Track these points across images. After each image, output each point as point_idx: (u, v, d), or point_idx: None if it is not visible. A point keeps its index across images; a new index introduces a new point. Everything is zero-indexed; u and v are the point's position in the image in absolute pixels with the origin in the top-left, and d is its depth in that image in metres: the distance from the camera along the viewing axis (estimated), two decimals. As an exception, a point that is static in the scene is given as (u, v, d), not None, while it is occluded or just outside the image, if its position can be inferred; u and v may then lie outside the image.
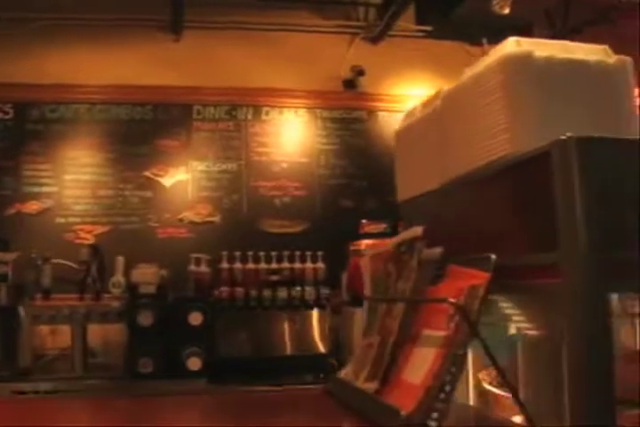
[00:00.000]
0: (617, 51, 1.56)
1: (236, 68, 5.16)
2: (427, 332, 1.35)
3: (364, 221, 4.50)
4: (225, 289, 4.51)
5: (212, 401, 1.77)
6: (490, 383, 1.62)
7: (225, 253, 4.64)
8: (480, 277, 1.27)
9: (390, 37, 5.41)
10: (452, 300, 1.24)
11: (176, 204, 5.02)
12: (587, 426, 1.11)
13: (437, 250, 1.49)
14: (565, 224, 1.16)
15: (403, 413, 1.20)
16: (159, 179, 5.02)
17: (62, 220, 4.90)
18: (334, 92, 5.31)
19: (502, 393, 1.56)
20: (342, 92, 5.32)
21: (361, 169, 5.18)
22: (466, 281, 1.31)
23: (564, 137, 1.18)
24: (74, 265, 4.42)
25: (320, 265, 4.62)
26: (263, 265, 4.62)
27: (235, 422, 1.45)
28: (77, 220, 4.91)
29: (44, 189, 4.92)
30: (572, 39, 1.60)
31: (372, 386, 1.42)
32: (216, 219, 5.04)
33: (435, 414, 1.20)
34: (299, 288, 4.55)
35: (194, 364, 3.96)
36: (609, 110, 1.47)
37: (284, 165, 5.19)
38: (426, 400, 1.21)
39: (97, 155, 4.99)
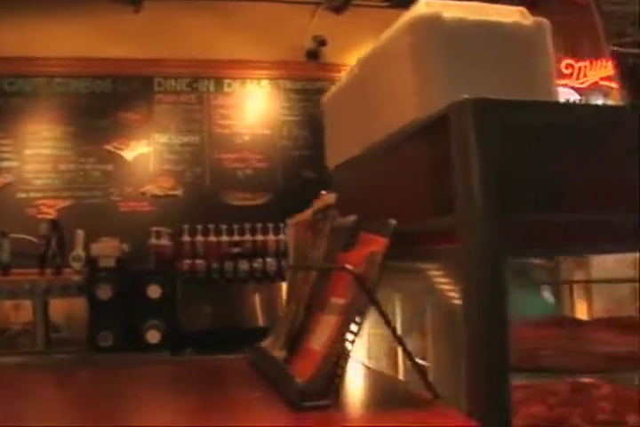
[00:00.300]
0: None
1: (197, 40, 5.08)
2: (334, 299, 1.34)
3: (323, 191, 4.49)
4: (187, 262, 4.50)
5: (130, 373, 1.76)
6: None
7: (186, 226, 4.63)
8: (380, 244, 1.25)
9: (354, 7, 5.34)
10: (348, 267, 1.22)
11: (138, 177, 4.97)
12: (479, 393, 1.11)
13: (351, 217, 1.47)
14: (461, 188, 1.15)
15: (299, 380, 1.19)
16: (120, 152, 4.96)
17: (24, 195, 4.84)
18: (297, 62, 5.25)
19: (423, 363, 1.56)
20: (305, 62, 5.26)
21: (323, 140, 5.12)
22: (370, 248, 1.29)
23: (460, 99, 1.16)
24: (33, 239, 4.38)
25: (282, 237, 4.60)
26: (225, 238, 4.61)
27: (138, 388, 1.45)
28: (39, 195, 4.85)
29: (5, 163, 4.86)
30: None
31: (282, 354, 1.41)
32: (178, 192, 4.99)
33: (332, 381, 1.19)
34: (260, 260, 4.54)
35: (153, 337, 3.95)
36: (525, 73, 1.45)
37: (247, 138, 5.14)
38: (323, 368, 1.19)
39: (57, 129, 4.93)
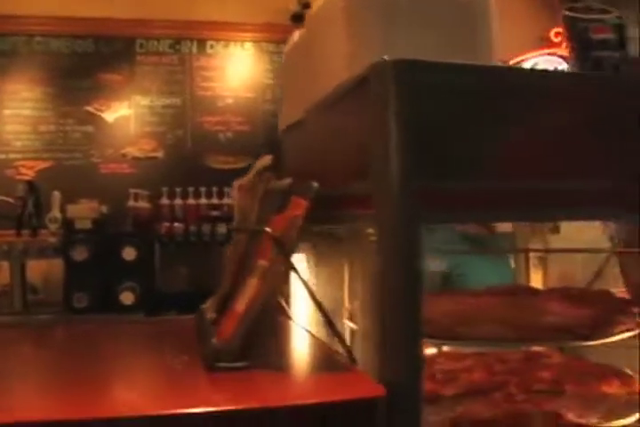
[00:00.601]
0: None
1: (180, 0, 5.01)
2: (260, 262, 1.33)
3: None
4: (165, 225, 4.50)
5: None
6: (348, 318, 1.61)
7: (165, 188, 4.62)
8: (301, 206, 1.25)
9: (340, -31, 5.25)
10: (267, 230, 1.22)
11: (119, 139, 4.95)
12: (389, 360, 1.10)
13: (287, 180, 1.47)
14: (377, 152, 1.13)
15: (214, 342, 1.20)
16: (101, 114, 4.93)
17: (3, 156, 4.83)
18: (282, 25, 5.16)
19: (355, 327, 1.56)
20: (290, 26, 5.18)
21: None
22: (295, 211, 1.29)
23: (380, 60, 1.14)
24: (10, 200, 4.37)
25: (261, 201, 4.59)
26: (204, 201, 4.60)
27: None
28: (18, 156, 4.84)
29: (-16, 124, 4.84)
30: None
31: (212, 316, 1.42)
32: (160, 154, 4.98)
33: (248, 343, 1.19)
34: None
35: (127, 298, 3.97)
36: (464, 38, 1.42)
37: (229, 101, 5.11)
38: (239, 330, 1.20)
39: (37, 89, 4.89)
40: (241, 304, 1.28)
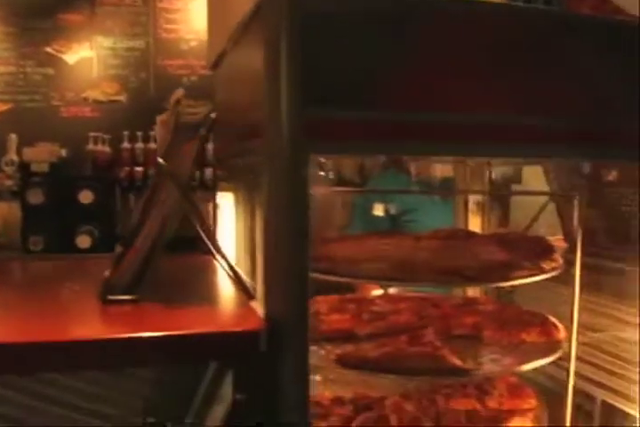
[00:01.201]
0: None
1: (144, -62, 4.87)
2: (160, 196, 1.31)
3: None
4: (125, 169, 4.45)
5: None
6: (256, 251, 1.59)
7: (126, 132, 4.55)
8: (198, 138, 1.22)
9: None
10: (160, 161, 1.19)
11: (80, 82, 4.83)
12: (274, 294, 1.09)
13: (200, 114, 1.43)
14: (269, 80, 1.10)
15: (107, 275, 1.18)
16: (62, 55, 4.81)
17: (-39, 97, 4.73)
18: (249, -34, 5.05)
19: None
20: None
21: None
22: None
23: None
24: (-34, 143, 4.31)
25: (222, 146, 4.53)
26: (164, 145, 4.54)
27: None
28: (-23, 97, 4.74)
29: (-58, 64, 4.72)
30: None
31: (119, 250, 1.40)
32: (122, 98, 4.88)
33: (139, 277, 1.17)
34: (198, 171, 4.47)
35: (83, 242, 3.94)
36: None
37: (194, 44, 4.99)
38: (131, 263, 1.18)
39: (-5, 29, 4.76)
40: (138, 239, 1.26)
